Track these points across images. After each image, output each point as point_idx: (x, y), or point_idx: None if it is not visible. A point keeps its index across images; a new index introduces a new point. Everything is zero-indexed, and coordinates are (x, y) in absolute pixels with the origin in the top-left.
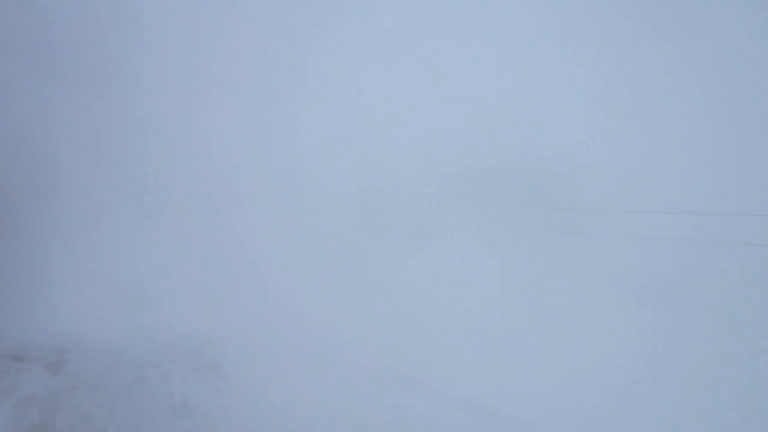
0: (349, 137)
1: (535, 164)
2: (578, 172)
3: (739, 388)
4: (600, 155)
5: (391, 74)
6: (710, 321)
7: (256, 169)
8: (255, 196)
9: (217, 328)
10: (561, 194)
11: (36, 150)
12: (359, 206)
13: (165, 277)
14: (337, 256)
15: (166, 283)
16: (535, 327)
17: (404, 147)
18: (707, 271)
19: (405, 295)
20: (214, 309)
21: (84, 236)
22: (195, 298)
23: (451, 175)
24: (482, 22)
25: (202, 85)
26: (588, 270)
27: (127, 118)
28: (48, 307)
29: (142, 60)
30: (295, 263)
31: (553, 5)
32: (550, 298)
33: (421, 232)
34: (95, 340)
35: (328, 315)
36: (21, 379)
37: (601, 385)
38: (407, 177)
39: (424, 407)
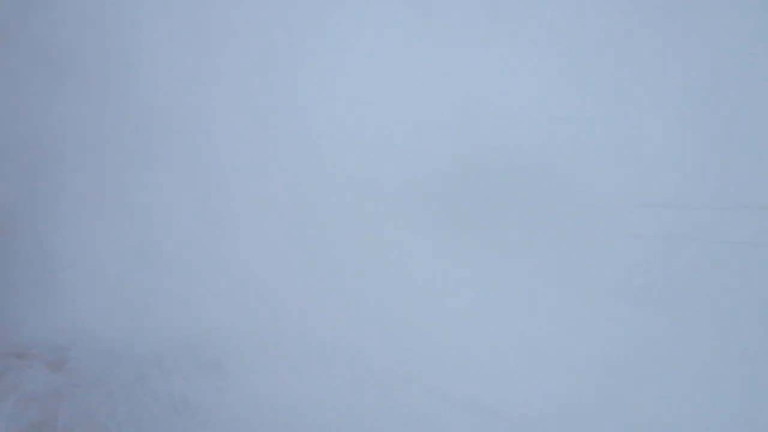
0: (350, 136)
1: (534, 163)
2: (577, 170)
3: (736, 388)
4: (597, 154)
5: (391, 72)
6: (708, 321)
7: (257, 168)
8: (256, 195)
9: (219, 327)
10: (560, 193)
11: (38, 147)
12: (359, 205)
13: (166, 276)
14: (337, 254)
15: (167, 281)
16: (534, 326)
17: (404, 146)
18: (705, 270)
19: (405, 294)
20: (215, 307)
21: (86, 234)
22: (196, 297)
23: (451, 174)
24: (479, 22)
25: (204, 83)
26: (588, 269)
27: (130, 116)
28: (50, 304)
29: (145, 58)
30: (296, 261)
31: (552, 4)
32: (549, 297)
33: (422, 231)
34: (97, 338)
35: (328, 314)
36: (22, 377)
37: (600, 384)
38: (407, 176)
39: (425, 407)
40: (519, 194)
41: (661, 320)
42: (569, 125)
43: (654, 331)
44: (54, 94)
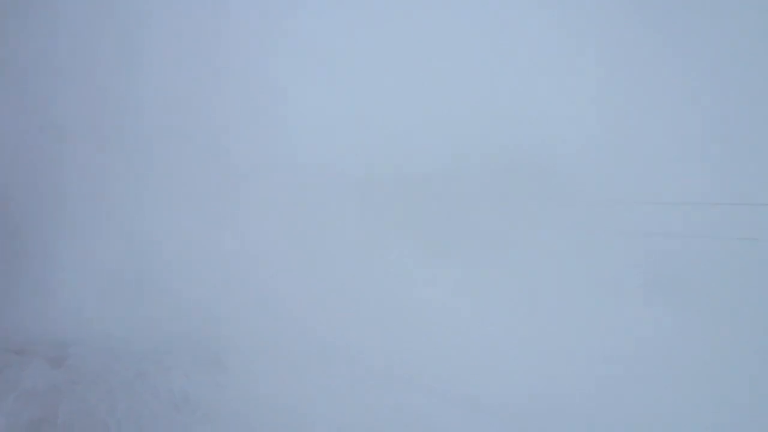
0: (350, 134)
1: (537, 160)
2: (579, 168)
3: (741, 387)
4: (602, 150)
5: (391, 71)
6: (713, 319)
7: (257, 167)
8: (256, 193)
9: (218, 324)
10: (562, 191)
11: (39, 147)
12: (360, 203)
13: (166, 273)
14: (337, 254)
15: (167, 278)
16: (535, 325)
17: (404, 145)
18: (712, 268)
19: (406, 294)
20: (214, 305)
21: (87, 231)
22: (196, 294)
23: (451, 172)
24: (483, 19)
25: (203, 83)
26: (590, 267)
27: (129, 115)
28: (50, 301)
29: (148, 58)
30: (296, 261)
31: (553, 2)
32: (550, 296)
33: (421, 229)
34: (97, 335)
35: (329, 313)
36: (23, 373)
37: (602, 383)
38: (407, 174)
39: (425, 406)
40: (520, 193)
41: (664, 319)
42: (571, 122)
43: (657, 330)
44: (55, 94)
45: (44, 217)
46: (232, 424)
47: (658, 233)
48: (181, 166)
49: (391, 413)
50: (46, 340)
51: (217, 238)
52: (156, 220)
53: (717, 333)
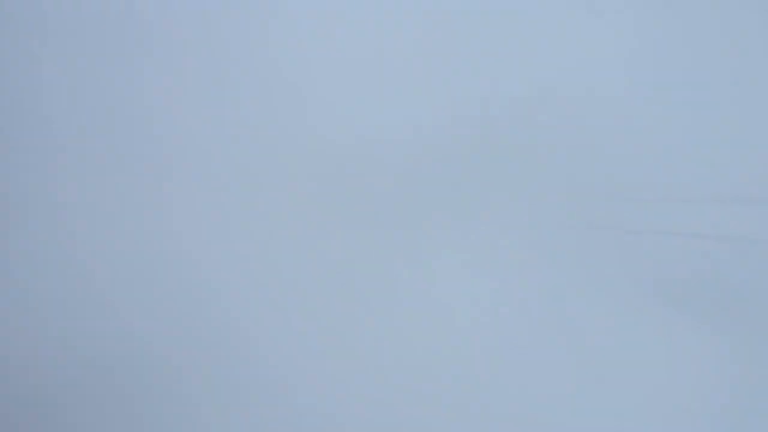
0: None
1: (539, 159)
2: (588, 162)
3: (754, 393)
4: (611, 143)
5: (391, 40)
6: (737, 324)
7: (253, 167)
8: (257, 194)
9: (218, 324)
10: (571, 185)
11: (40, 147)
12: (359, 201)
13: (168, 273)
14: (336, 254)
15: (169, 278)
16: (541, 327)
17: (402, 139)
18: (739, 271)
19: (406, 291)
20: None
21: (86, 231)
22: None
23: (449, 169)
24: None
25: (196, 83)
26: (595, 267)
27: (132, 118)
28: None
29: (142, 59)
30: (296, 260)
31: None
32: (555, 295)
33: (419, 229)
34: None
35: (329, 313)
36: None
37: (620, 388)
38: (406, 174)
39: (425, 405)
40: (522, 192)
41: (674, 321)
42: (580, 115)
43: (667, 333)
44: (54, 95)
45: (45, 219)
46: (233, 423)
47: (670, 232)
48: (180, 168)
49: (391, 412)
50: None
51: (218, 239)
52: (156, 222)
53: (730, 339)
